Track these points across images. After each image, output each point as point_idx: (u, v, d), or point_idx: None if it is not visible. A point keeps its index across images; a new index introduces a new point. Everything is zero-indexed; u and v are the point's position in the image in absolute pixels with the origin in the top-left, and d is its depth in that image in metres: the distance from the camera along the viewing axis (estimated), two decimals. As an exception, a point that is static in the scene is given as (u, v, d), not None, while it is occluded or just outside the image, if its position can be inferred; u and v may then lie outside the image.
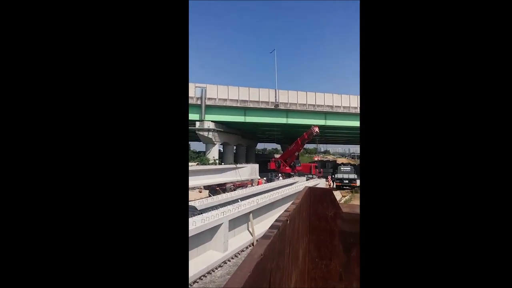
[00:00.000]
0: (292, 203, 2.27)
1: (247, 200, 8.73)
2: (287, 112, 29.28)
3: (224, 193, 12.39)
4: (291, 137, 32.69)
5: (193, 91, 27.21)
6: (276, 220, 1.60)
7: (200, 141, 30.31)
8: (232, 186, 14.84)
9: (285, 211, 1.91)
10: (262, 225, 8.45)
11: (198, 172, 13.48)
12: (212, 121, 27.63)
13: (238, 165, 16.42)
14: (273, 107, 28.43)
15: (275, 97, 28.59)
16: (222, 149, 32.33)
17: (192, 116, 27.26)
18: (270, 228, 1.45)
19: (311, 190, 2.82)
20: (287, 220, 1.66)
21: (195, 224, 5.58)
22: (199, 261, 5.51)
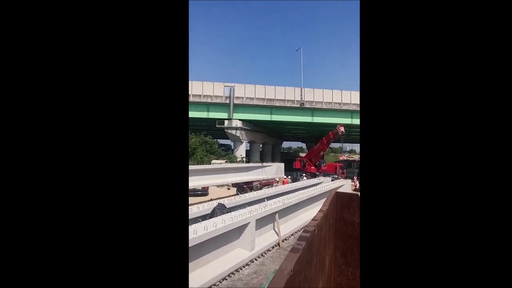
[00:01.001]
0: (320, 211, 2.37)
1: (273, 200, 8.85)
2: (313, 111, 28.92)
3: (251, 191, 12.62)
4: (317, 136, 32.20)
5: (222, 90, 27.82)
6: (304, 231, 1.72)
7: (228, 138, 30.91)
8: (259, 185, 15.06)
9: (313, 219, 2.02)
10: (288, 226, 8.55)
11: (226, 170, 13.85)
12: (239, 119, 28.10)
13: (264, 164, 16.58)
14: (298, 105, 28.23)
15: (301, 95, 28.35)
16: (249, 147, 32.75)
17: (221, 115, 27.94)
18: (298, 240, 1.55)
19: (338, 195, 2.85)
20: (315, 230, 1.76)
21: (224, 222, 5.81)
22: (228, 259, 5.75)
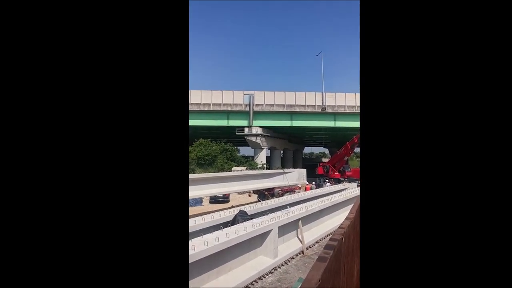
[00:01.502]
0: (346, 218, 2.26)
1: (296, 207, 8.70)
2: (335, 115, 28.46)
3: (272, 198, 12.50)
4: (340, 141, 31.50)
5: (242, 98, 28.21)
6: (331, 239, 1.64)
7: (248, 146, 31.12)
8: (280, 191, 14.90)
9: (339, 227, 1.93)
10: (312, 233, 8.34)
11: (247, 177, 13.85)
12: (259, 126, 28.24)
13: (286, 170, 16.42)
14: (320, 110, 27.91)
15: (322, 100, 28.05)
16: (269, 154, 32.77)
17: (241, 122, 28.26)
18: (325, 248, 1.49)
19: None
20: (342, 239, 1.68)
21: (246, 229, 5.77)
22: (250, 266, 5.68)
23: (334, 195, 11.79)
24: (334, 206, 10.27)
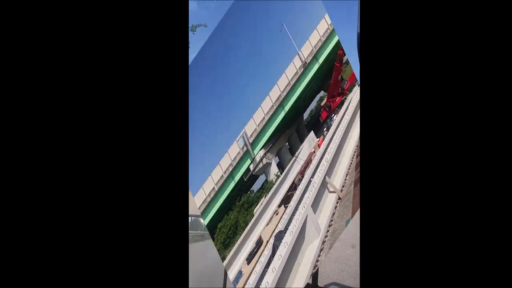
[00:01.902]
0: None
1: (318, 170, 8.29)
2: (316, 55, 28.38)
3: (295, 190, 12.00)
4: (329, 70, 30.88)
5: (236, 145, 28.75)
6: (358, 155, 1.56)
7: (259, 175, 31.01)
8: (299, 176, 14.35)
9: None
10: (340, 173, 7.71)
11: (267, 205, 13.49)
12: (260, 149, 28.35)
13: (296, 154, 16.02)
14: (303, 69, 27.96)
15: (300, 58, 28.17)
16: (278, 160, 32.48)
17: (244, 167, 28.38)
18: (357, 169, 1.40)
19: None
20: None
21: (286, 245, 5.47)
22: (303, 268, 5.22)
23: (342, 123, 11.29)
24: (346, 131, 9.77)
